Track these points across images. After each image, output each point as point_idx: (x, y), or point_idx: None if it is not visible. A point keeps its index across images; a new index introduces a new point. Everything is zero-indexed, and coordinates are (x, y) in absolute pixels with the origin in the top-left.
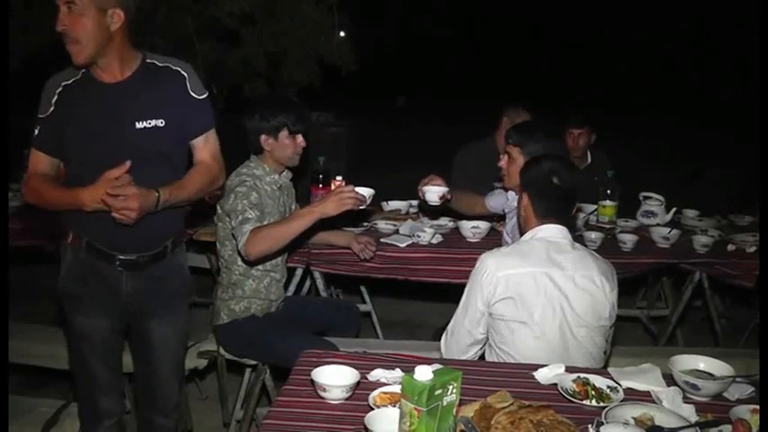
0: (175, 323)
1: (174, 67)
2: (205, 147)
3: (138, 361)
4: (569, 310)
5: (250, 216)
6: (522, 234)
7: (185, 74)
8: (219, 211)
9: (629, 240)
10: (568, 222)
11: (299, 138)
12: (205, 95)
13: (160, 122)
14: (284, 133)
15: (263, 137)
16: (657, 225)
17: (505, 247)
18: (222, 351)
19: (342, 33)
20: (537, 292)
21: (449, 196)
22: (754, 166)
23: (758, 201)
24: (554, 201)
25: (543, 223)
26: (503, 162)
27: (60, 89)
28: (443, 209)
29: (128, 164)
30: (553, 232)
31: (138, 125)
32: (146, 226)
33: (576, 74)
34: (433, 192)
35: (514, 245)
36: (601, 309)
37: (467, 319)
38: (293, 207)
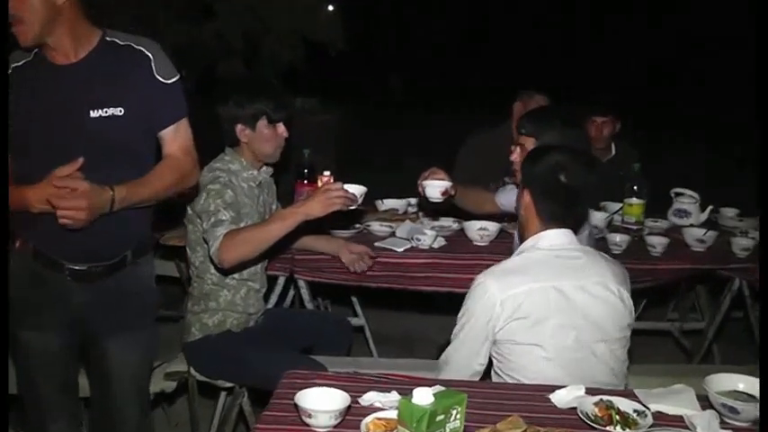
0: (137, 342)
1: (138, 47)
2: (175, 139)
3: (95, 384)
4: (585, 324)
5: (224, 217)
6: (521, 239)
7: (150, 54)
8: (189, 212)
9: (658, 243)
10: (575, 225)
11: (281, 127)
12: (175, 79)
13: (119, 111)
14: (263, 122)
15: (238, 126)
16: (691, 226)
17: (504, 261)
18: (193, 372)
19: (330, 7)
20: (547, 308)
21: (452, 192)
22: None
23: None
24: (560, 203)
25: (547, 228)
26: (515, 155)
27: (10, 71)
28: (447, 207)
29: (80, 160)
30: (558, 239)
31: (94, 114)
32: (100, 231)
33: (600, 54)
34: (435, 187)
35: (515, 258)
36: (620, 318)
37: (464, 348)
38: (274, 207)
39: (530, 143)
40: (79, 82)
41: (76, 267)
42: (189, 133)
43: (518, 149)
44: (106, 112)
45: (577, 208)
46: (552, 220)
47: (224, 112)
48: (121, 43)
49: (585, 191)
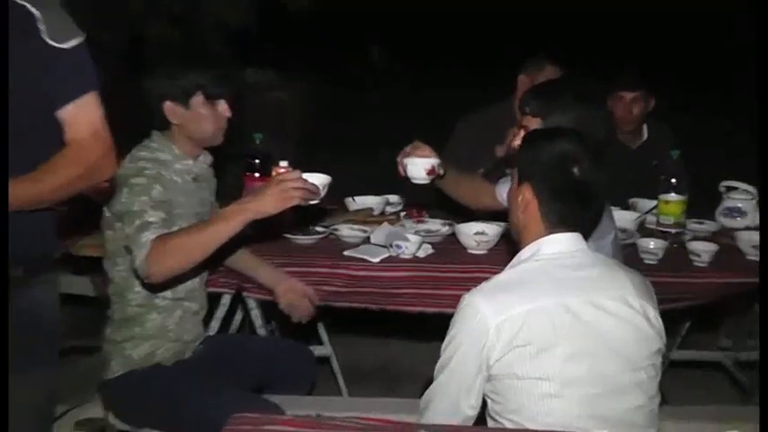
0: (31, 384)
1: (21, 2)
2: (77, 121)
3: None
4: (603, 351)
5: (151, 219)
6: (518, 244)
7: (36, 12)
8: (107, 214)
9: (704, 251)
10: (585, 226)
11: (222, 105)
12: (74, 43)
13: None
14: (199, 99)
15: (167, 104)
16: (746, 228)
17: (497, 276)
18: (113, 419)
19: None
20: (554, 332)
21: (440, 171)
22: None
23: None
24: (573, 203)
25: (552, 232)
26: (516, 140)
27: None
28: (444, 201)
29: None
30: (563, 245)
31: None
32: None
33: (628, 14)
34: (419, 164)
35: (509, 271)
36: (647, 341)
37: (452, 386)
38: (215, 204)
39: (534, 125)
40: None
41: None
42: (98, 113)
43: (521, 133)
44: None
45: (592, 209)
46: (560, 222)
47: (150, 87)
48: None
49: (602, 187)
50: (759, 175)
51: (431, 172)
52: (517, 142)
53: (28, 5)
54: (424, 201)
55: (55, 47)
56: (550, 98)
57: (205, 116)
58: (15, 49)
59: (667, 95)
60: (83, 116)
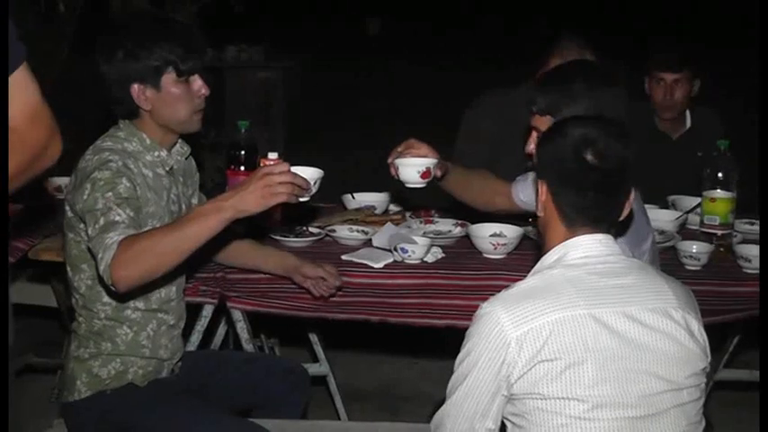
0: None
1: None
2: (9, 103)
3: None
4: (642, 371)
5: (118, 218)
6: (542, 250)
7: None
8: (69, 213)
9: (755, 256)
10: (611, 224)
11: (197, 82)
12: None
13: None
14: (170, 76)
15: (134, 87)
16: None
17: (519, 283)
18: None
19: None
20: (584, 346)
21: (438, 172)
22: None
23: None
24: (587, 191)
25: (575, 234)
26: (532, 146)
27: None
28: (453, 205)
29: None
30: (592, 249)
31: None
32: None
33: None
34: (412, 166)
35: (532, 277)
36: (690, 359)
37: (466, 406)
38: (195, 202)
39: (545, 125)
40: None
41: None
42: (29, 91)
43: (533, 135)
44: None
45: (614, 199)
46: (580, 218)
47: (111, 70)
48: None
49: (625, 170)
50: (759, 175)
51: (425, 175)
52: (532, 147)
53: None
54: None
55: None
56: (557, 92)
57: (178, 96)
58: None
59: (717, 78)
60: (12, 97)
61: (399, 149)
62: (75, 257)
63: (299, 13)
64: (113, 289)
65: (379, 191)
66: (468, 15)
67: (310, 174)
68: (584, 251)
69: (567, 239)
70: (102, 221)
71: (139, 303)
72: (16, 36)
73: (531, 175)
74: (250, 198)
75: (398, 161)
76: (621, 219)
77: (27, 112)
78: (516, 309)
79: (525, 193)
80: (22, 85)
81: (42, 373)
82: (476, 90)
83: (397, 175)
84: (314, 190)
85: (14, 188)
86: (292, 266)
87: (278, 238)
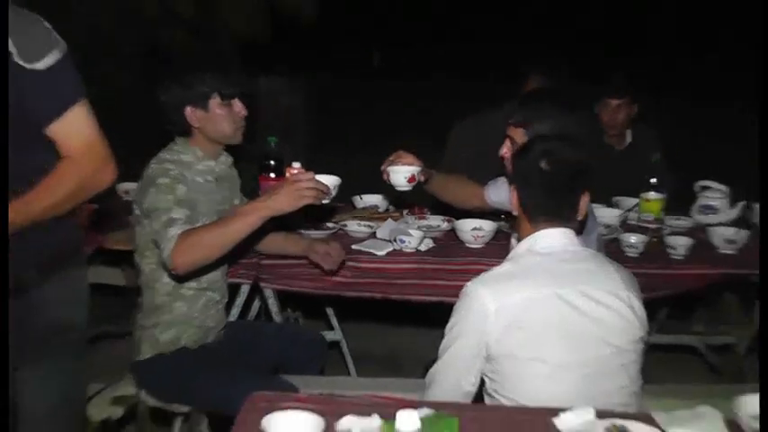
0: (50, 378)
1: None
2: (66, 136)
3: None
4: (595, 339)
5: (176, 216)
6: (519, 240)
7: (7, 35)
8: (137, 210)
9: (681, 245)
10: (573, 220)
11: (237, 104)
12: (49, 61)
13: None
14: (215, 101)
15: (188, 110)
16: (720, 224)
17: (497, 267)
18: (144, 395)
19: None
20: (549, 319)
21: (422, 178)
22: None
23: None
24: (546, 194)
25: (537, 228)
26: (505, 150)
27: None
28: (436, 203)
29: None
30: (555, 240)
31: None
32: None
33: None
34: (401, 172)
35: (508, 263)
36: (632, 330)
37: (453, 366)
38: (237, 202)
39: (519, 135)
40: None
41: None
42: (86, 124)
43: (507, 142)
44: None
45: (567, 197)
46: (542, 217)
47: (168, 98)
48: None
49: (577, 175)
50: (759, 175)
51: (412, 180)
52: (504, 151)
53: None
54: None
55: (28, 68)
56: (532, 108)
57: (223, 116)
58: None
59: (653, 102)
60: (70, 131)
61: (390, 159)
62: (141, 246)
63: (317, 48)
64: (173, 272)
65: (382, 193)
66: (453, 46)
67: (331, 181)
68: (550, 242)
69: (533, 233)
70: (164, 218)
71: (192, 283)
72: (75, 78)
73: (500, 180)
74: (283, 200)
75: (389, 168)
76: (580, 218)
77: (83, 144)
78: (495, 287)
79: (495, 194)
80: (80, 119)
81: (116, 338)
82: (458, 108)
83: (389, 180)
84: (333, 194)
85: (69, 207)
86: (308, 246)
87: (303, 231)
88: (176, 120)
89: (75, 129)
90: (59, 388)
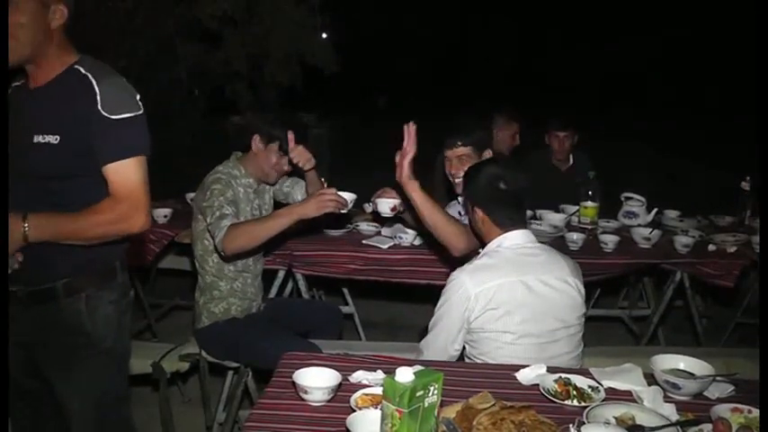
0: (79, 381)
1: (91, 78)
2: (116, 179)
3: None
4: (549, 314)
5: (227, 212)
6: (481, 243)
7: (97, 88)
8: (195, 210)
9: (610, 241)
10: (526, 222)
11: (285, 160)
12: (124, 116)
13: (54, 139)
14: (275, 146)
15: (257, 137)
16: (639, 226)
17: (475, 260)
18: (204, 354)
19: (324, 35)
20: (515, 300)
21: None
22: (735, 165)
23: (759, 201)
24: (510, 206)
25: (506, 231)
26: (448, 167)
27: (11, 91)
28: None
29: None
30: (520, 239)
31: (36, 139)
32: (31, 254)
33: (560, 73)
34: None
35: (484, 257)
36: (576, 307)
37: (442, 335)
38: (266, 210)
39: (459, 152)
40: (35, 106)
41: (12, 288)
42: (136, 177)
43: (449, 163)
44: (44, 138)
45: (522, 208)
46: (507, 222)
47: (254, 121)
48: (83, 72)
49: (524, 189)
50: (760, 175)
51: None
52: (452, 170)
53: (95, 83)
54: None
55: (105, 116)
56: (459, 131)
57: (272, 159)
58: (78, 108)
59: (589, 133)
60: (121, 176)
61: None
62: (197, 237)
63: (337, 94)
64: (223, 254)
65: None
66: (443, 96)
67: (348, 196)
68: (515, 240)
69: (502, 233)
70: (217, 214)
71: (231, 266)
72: (142, 137)
73: (452, 204)
74: (311, 207)
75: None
76: None
77: (127, 189)
78: (475, 276)
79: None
80: (131, 169)
81: (183, 310)
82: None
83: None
84: (350, 206)
85: (96, 239)
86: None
87: (326, 230)
88: (244, 138)
89: (125, 175)
90: (88, 395)
